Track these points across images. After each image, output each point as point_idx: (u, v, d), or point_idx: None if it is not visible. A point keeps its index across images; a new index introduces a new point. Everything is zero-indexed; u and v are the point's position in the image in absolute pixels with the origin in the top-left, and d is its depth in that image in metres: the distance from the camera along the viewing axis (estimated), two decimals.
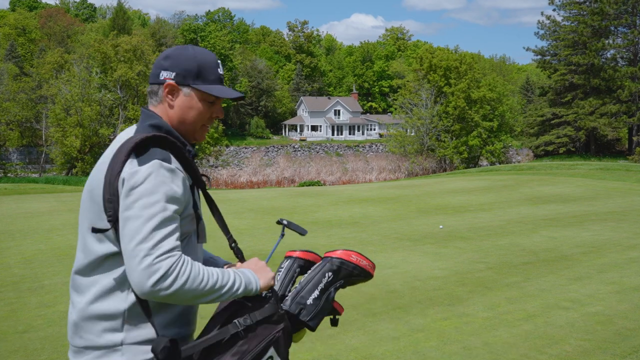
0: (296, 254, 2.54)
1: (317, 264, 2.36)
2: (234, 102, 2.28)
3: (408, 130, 54.04)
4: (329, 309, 2.32)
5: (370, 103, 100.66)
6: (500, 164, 51.32)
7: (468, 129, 53.02)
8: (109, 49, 46.82)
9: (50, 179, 31.45)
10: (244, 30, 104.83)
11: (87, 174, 39.77)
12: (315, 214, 15.27)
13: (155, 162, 1.96)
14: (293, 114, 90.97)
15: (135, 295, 1.96)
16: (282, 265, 2.52)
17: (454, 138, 52.54)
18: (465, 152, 51.82)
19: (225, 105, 78.42)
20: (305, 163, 55.65)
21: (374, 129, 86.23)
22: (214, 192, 26.59)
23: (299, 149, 77.18)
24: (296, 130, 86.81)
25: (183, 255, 1.93)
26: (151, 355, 1.98)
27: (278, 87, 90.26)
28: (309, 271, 2.36)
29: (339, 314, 2.42)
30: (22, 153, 59.16)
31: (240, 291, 2.04)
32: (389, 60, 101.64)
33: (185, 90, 2.14)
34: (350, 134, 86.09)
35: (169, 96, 2.15)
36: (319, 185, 36.04)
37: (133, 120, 42.78)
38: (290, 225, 2.61)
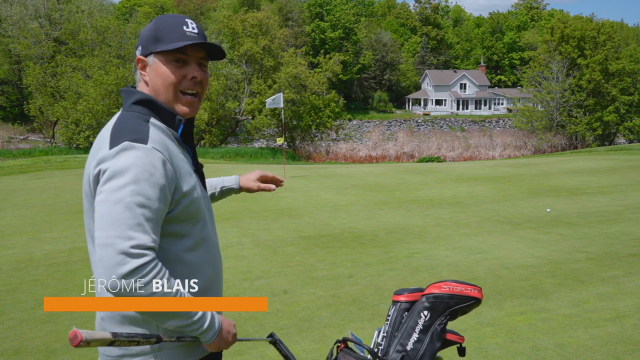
0: (402, 298, 2.28)
1: (414, 305, 2.21)
2: (213, 59, 2.05)
3: (536, 105, 51.00)
4: (438, 347, 2.19)
5: (499, 76, 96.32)
6: None
7: (604, 104, 49.05)
8: (237, 25, 48.18)
9: None
10: (369, 3, 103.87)
11: (214, 146, 41.53)
12: (419, 191, 14.87)
13: (125, 144, 1.82)
14: (417, 87, 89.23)
15: None
16: (389, 314, 2.29)
17: (587, 113, 48.85)
18: (599, 128, 48.08)
19: (348, 77, 78.45)
20: (426, 138, 54.34)
21: (502, 104, 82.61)
22: (326, 166, 26.67)
23: (422, 123, 75.70)
24: (420, 104, 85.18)
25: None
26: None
27: (402, 61, 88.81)
28: (406, 314, 2.22)
29: (459, 343, 2.26)
30: None
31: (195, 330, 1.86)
32: (521, 30, 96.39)
33: (150, 59, 2.00)
34: (476, 108, 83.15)
35: (142, 72, 2.02)
36: (438, 161, 35.17)
37: (257, 94, 43.87)
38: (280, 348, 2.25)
